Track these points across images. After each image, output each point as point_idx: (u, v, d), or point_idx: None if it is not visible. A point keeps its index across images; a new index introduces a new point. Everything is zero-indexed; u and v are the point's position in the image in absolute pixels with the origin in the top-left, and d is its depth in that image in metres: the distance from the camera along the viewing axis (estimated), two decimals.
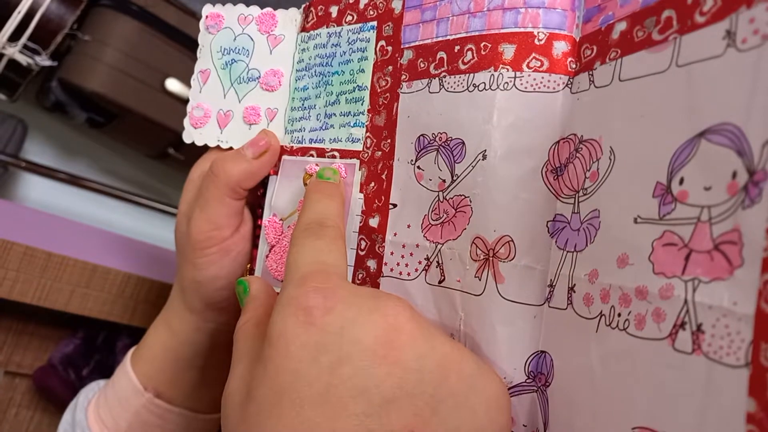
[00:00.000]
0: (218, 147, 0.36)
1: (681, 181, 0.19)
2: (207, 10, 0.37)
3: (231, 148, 0.36)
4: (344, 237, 0.28)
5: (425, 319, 0.23)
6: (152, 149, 0.76)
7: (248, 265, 0.36)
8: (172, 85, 0.65)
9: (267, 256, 0.35)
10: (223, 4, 0.37)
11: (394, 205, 0.30)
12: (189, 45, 0.65)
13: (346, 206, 0.32)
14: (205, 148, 0.37)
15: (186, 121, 0.37)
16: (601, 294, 0.22)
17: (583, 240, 0.23)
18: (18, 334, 0.61)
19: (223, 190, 0.33)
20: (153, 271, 0.57)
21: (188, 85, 0.66)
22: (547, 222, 0.26)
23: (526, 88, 0.26)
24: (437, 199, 0.29)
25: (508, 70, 0.27)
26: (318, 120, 0.34)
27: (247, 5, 0.37)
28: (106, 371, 0.61)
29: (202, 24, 0.37)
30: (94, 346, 0.62)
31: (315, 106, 0.35)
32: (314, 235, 0.26)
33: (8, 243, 0.47)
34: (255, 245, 0.37)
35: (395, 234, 0.30)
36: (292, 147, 0.35)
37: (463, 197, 0.27)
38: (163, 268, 0.61)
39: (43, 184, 0.75)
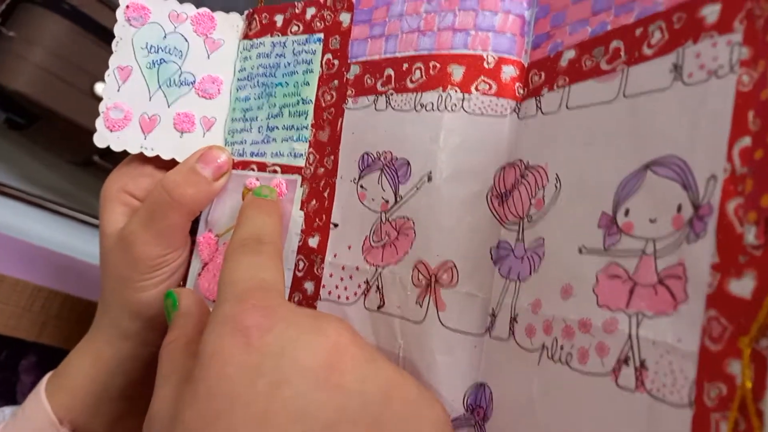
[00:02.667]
0: (141, 154, 0.33)
1: (626, 213, 0.19)
2: None
3: (157, 157, 0.33)
4: (282, 256, 0.26)
5: (367, 342, 0.22)
6: (76, 155, 0.71)
7: (180, 283, 0.33)
8: (101, 89, 0.61)
9: (199, 275, 0.33)
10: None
11: (335, 225, 0.29)
12: None
13: (286, 224, 0.31)
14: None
15: (99, 122, 0.33)
16: (544, 325, 0.21)
17: (527, 269, 0.23)
18: None
19: (184, 216, 0.31)
20: (68, 284, 0.53)
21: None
22: (491, 248, 0.25)
23: (474, 110, 0.26)
24: (380, 220, 0.28)
25: (456, 91, 0.26)
26: (260, 132, 0.33)
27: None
28: (7, 393, 0.56)
29: (120, 14, 0.33)
30: None
31: (257, 117, 0.33)
32: (252, 251, 0.25)
33: None
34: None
35: (335, 255, 0.29)
36: (233, 160, 0.33)
37: (406, 219, 0.27)
38: (78, 282, 0.57)
39: None
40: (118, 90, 0.33)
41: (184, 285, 0.34)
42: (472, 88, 0.26)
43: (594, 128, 0.21)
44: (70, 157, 0.72)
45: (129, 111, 0.33)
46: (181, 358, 0.23)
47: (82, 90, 0.61)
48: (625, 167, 0.19)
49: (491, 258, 0.25)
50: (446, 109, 0.26)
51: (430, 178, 0.26)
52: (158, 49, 0.33)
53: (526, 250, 0.23)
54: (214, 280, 0.32)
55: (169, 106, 0.34)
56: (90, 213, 0.76)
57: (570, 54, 0.23)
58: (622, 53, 0.21)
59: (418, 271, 0.26)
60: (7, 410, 0.38)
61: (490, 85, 0.26)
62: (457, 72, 0.26)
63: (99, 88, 0.61)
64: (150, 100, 0.33)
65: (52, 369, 0.57)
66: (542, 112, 0.24)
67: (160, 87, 0.33)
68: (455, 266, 0.25)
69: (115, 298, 0.33)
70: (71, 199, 0.81)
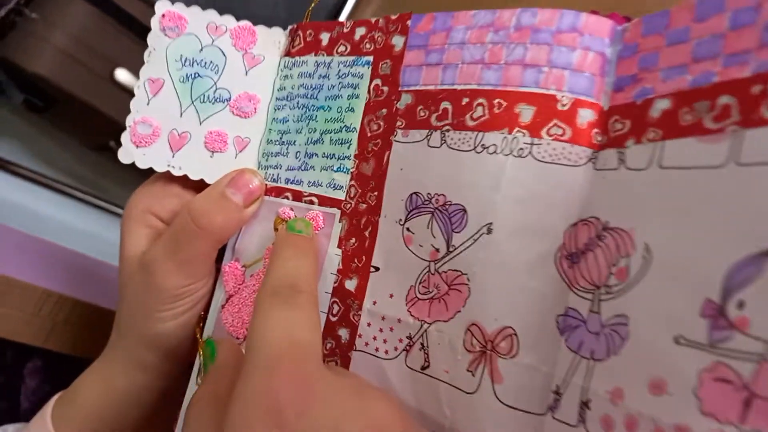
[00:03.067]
0: (167, 172, 0.31)
1: (740, 305, 0.16)
2: (163, 6, 0.31)
3: (185, 176, 0.31)
4: (318, 305, 0.24)
5: (415, 424, 0.20)
6: (92, 140, 0.71)
7: (196, 329, 0.31)
8: (122, 75, 0.60)
9: (223, 306, 0.30)
10: (187, 5, 0.32)
11: (376, 269, 0.27)
12: (144, 36, 0.61)
13: (321, 261, 0.28)
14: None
15: (125, 137, 0.31)
16: (626, 421, 0.18)
17: (604, 348, 0.20)
18: None
19: (210, 245, 0.29)
20: (78, 288, 0.51)
21: (138, 76, 0.63)
22: (557, 316, 0.22)
23: (543, 157, 0.23)
24: (428, 270, 0.25)
25: (524, 134, 0.23)
26: (297, 158, 0.30)
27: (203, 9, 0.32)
28: (11, 396, 0.54)
29: (155, 23, 0.31)
30: None
31: (295, 142, 0.30)
32: (285, 302, 0.22)
33: None
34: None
35: (374, 302, 0.26)
36: (266, 185, 0.31)
37: (459, 273, 0.24)
38: (89, 285, 0.54)
39: None
40: (148, 103, 0.31)
41: (206, 316, 0.31)
42: (543, 132, 0.23)
43: (695, 196, 0.18)
44: (87, 141, 0.72)
45: (158, 126, 0.31)
46: (210, 420, 0.21)
47: (102, 75, 0.60)
48: (736, 248, 0.17)
49: (557, 327, 0.22)
50: (512, 153, 0.24)
51: (490, 231, 0.23)
52: (193, 63, 0.31)
53: (604, 325, 0.21)
54: (239, 316, 0.30)
55: (200, 124, 0.31)
56: (104, 198, 0.74)
57: (664, 104, 0.21)
58: (735, 112, 0.18)
59: (472, 334, 0.23)
60: (10, 429, 0.36)
61: (563, 129, 0.23)
62: (526, 113, 0.24)
63: (119, 74, 0.60)
64: (181, 116, 0.31)
65: (57, 374, 0.55)
66: (627, 167, 0.21)
67: (192, 103, 0.31)
68: (516, 334, 0.22)
69: (132, 327, 0.31)
70: (86, 183, 0.80)
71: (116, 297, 0.55)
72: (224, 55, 0.31)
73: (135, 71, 0.60)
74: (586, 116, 0.23)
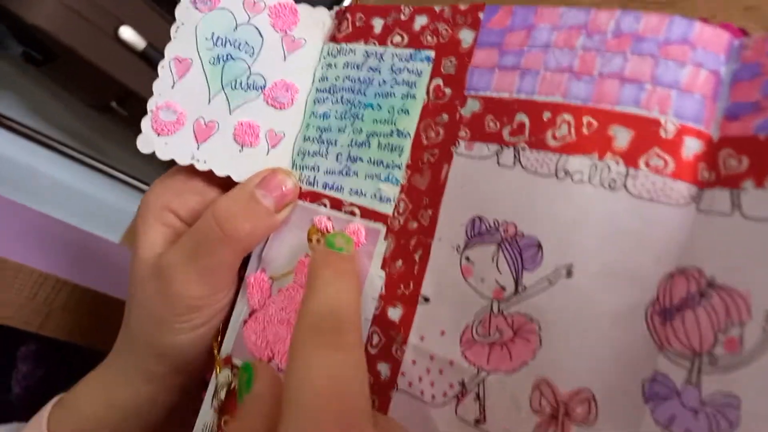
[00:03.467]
0: (191, 166, 0.28)
1: None
2: None
3: (210, 171, 0.28)
4: (362, 338, 0.21)
5: None
6: (93, 99, 0.68)
7: (213, 343, 0.28)
8: (126, 33, 0.57)
9: (245, 322, 0.27)
10: None
11: (426, 299, 0.23)
12: None
13: (361, 281, 0.25)
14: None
15: (145, 124, 0.27)
16: None
17: (705, 430, 0.17)
18: None
19: (235, 253, 0.26)
20: (78, 271, 0.48)
21: (144, 35, 0.58)
22: (643, 381, 0.19)
23: (639, 192, 0.20)
24: (490, 309, 0.22)
25: (618, 163, 0.20)
26: (338, 161, 0.27)
27: None
28: (2, 380, 0.51)
29: None
30: None
31: (336, 142, 0.27)
32: (329, 343, 0.19)
33: None
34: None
35: (422, 338, 0.23)
36: (300, 187, 0.28)
37: (528, 320, 0.21)
38: (90, 269, 0.51)
39: None
40: (173, 86, 0.27)
41: (225, 329, 0.28)
42: (641, 162, 0.20)
43: None
44: (87, 99, 0.69)
45: (183, 113, 0.27)
46: None
47: (106, 32, 0.57)
48: None
49: (642, 393, 0.19)
50: (601, 184, 0.20)
51: (569, 273, 0.20)
52: (226, 42, 0.27)
53: (704, 402, 0.17)
54: (263, 335, 0.27)
55: (231, 113, 0.28)
56: (103, 160, 0.71)
57: None
58: None
59: (541, 392, 0.20)
60: (2, 429, 0.33)
61: (665, 161, 0.20)
62: (622, 137, 0.20)
63: (123, 31, 0.57)
64: (209, 103, 0.27)
65: (51, 361, 0.53)
66: (743, 215, 0.18)
67: (222, 88, 0.27)
68: (594, 398, 0.19)
69: (141, 335, 0.28)
70: (85, 142, 0.77)
71: (118, 282, 0.52)
72: (261, 35, 0.28)
73: (140, 30, 0.58)
74: (692, 147, 0.20)
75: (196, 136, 0.28)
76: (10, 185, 0.73)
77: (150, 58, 0.59)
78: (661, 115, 0.20)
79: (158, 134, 0.27)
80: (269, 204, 0.26)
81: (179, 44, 0.27)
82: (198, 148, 0.27)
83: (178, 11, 0.27)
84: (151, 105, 0.27)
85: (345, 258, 0.23)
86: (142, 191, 0.68)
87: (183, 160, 0.27)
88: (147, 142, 0.27)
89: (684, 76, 0.20)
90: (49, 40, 0.55)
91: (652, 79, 0.20)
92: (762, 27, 0.34)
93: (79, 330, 0.47)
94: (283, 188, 0.27)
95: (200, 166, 0.27)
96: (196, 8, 0.27)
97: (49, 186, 0.77)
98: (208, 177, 0.28)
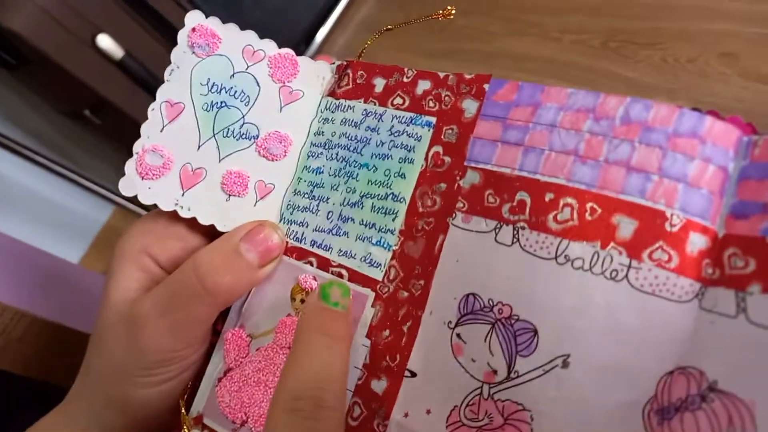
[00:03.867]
0: (174, 212, 0.26)
1: None
2: (195, 19, 0.27)
3: (194, 219, 0.26)
4: (344, 419, 0.20)
5: None
6: (66, 106, 0.67)
7: (180, 400, 0.26)
8: (103, 41, 0.56)
9: (220, 380, 0.26)
10: (224, 22, 0.27)
11: (413, 374, 0.22)
12: (134, 4, 0.57)
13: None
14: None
15: (129, 166, 0.26)
16: None
17: None
18: None
19: (212, 308, 0.25)
20: (37, 302, 0.46)
21: (122, 44, 0.57)
22: None
23: (642, 285, 0.19)
24: (479, 393, 0.21)
25: (621, 253, 0.20)
26: (329, 219, 0.26)
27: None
28: None
29: (183, 37, 0.27)
30: None
31: (328, 199, 0.26)
32: (303, 423, 0.18)
33: None
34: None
35: (406, 415, 0.22)
36: (287, 243, 0.27)
37: (520, 408, 0.20)
38: (51, 297, 0.49)
39: None
40: (162, 130, 0.26)
41: (195, 385, 0.27)
42: (645, 255, 0.19)
43: None
44: (61, 106, 0.69)
45: (169, 158, 0.26)
46: None
47: (83, 40, 0.56)
48: None
49: None
50: (603, 273, 0.20)
51: (566, 364, 0.19)
52: (221, 89, 0.26)
53: None
54: (238, 396, 0.25)
55: (220, 161, 0.27)
56: (73, 169, 0.70)
57: None
58: None
59: None
60: None
61: (669, 255, 0.19)
62: (626, 227, 0.20)
63: (101, 40, 0.56)
64: (198, 149, 0.27)
65: (4, 394, 0.50)
66: (749, 320, 0.18)
67: (214, 135, 0.27)
68: None
69: (101, 385, 0.26)
70: (56, 150, 0.75)
71: (80, 312, 0.49)
72: (258, 85, 0.27)
73: (118, 38, 0.57)
74: (697, 243, 0.19)
75: (182, 183, 0.26)
76: None
77: (127, 68, 0.58)
78: (667, 207, 0.19)
79: (142, 178, 0.26)
80: (253, 259, 0.25)
81: (172, 87, 0.26)
82: (183, 195, 0.26)
83: (174, 54, 0.26)
84: (137, 147, 0.26)
85: (339, 318, 0.22)
86: (113, 201, 0.66)
87: (166, 206, 0.26)
88: (130, 184, 0.26)
89: (692, 170, 0.20)
90: (23, 45, 0.54)
91: (659, 170, 0.20)
92: (737, 73, 0.34)
93: (38, 363, 0.45)
94: (269, 243, 0.26)
95: (184, 213, 0.26)
96: (194, 53, 0.26)
97: (17, 193, 0.75)
98: (193, 223, 0.27)
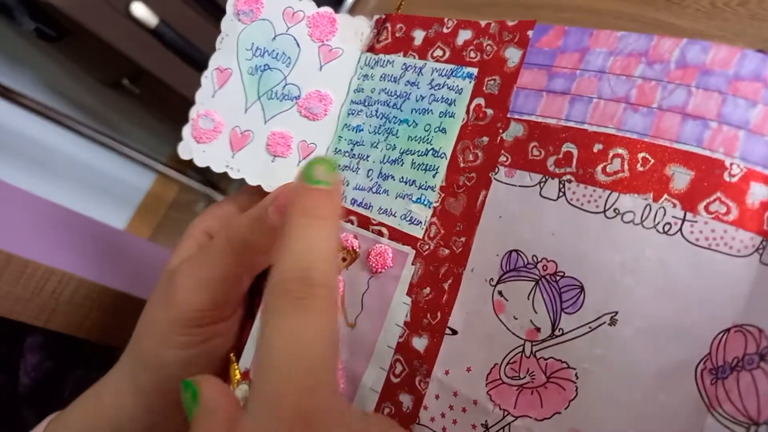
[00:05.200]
0: (238, 198, 0.28)
1: None
2: None
3: (244, 183, 0.27)
4: (337, 300, 0.20)
5: None
6: (105, 75, 0.69)
7: (231, 354, 0.27)
8: (138, 9, 0.57)
9: None
10: None
11: (453, 332, 0.22)
12: None
13: (384, 308, 0.24)
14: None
15: (186, 131, 0.28)
16: None
17: None
18: None
19: (240, 268, 0.26)
20: (85, 266, 0.48)
21: (155, 11, 0.58)
22: None
23: (697, 239, 0.18)
24: (521, 350, 0.21)
25: (675, 206, 0.19)
26: (368, 177, 0.26)
27: None
28: (9, 370, 0.51)
29: (230, 5, 0.28)
30: None
31: (368, 157, 0.26)
32: (294, 303, 0.18)
33: None
34: (251, 315, 0.28)
35: (447, 372, 0.22)
36: None
37: (564, 366, 0.19)
38: (96, 261, 0.51)
39: None
40: (213, 95, 0.27)
41: (241, 348, 0.27)
42: (701, 207, 0.18)
43: None
44: (100, 75, 0.71)
45: (220, 122, 0.27)
46: None
47: (117, 9, 0.57)
48: None
49: None
50: (655, 227, 0.19)
51: (613, 322, 0.19)
52: (264, 52, 0.27)
53: None
54: None
55: (265, 123, 0.27)
56: (114, 137, 0.72)
57: None
58: None
59: None
60: None
61: (728, 207, 0.18)
62: (681, 178, 0.19)
63: (135, 8, 0.56)
64: (245, 112, 0.27)
65: (57, 352, 0.53)
66: None
67: (259, 98, 0.27)
68: None
69: (139, 345, 0.28)
70: (97, 118, 0.78)
71: (123, 274, 0.51)
72: (298, 45, 0.27)
73: (152, 6, 0.57)
74: (759, 194, 0.18)
75: (231, 145, 0.27)
76: (22, 160, 0.74)
77: (162, 36, 0.58)
78: (726, 156, 0.18)
79: (197, 142, 0.27)
80: (277, 220, 0.25)
81: (222, 55, 0.27)
82: (233, 157, 0.27)
83: (224, 23, 0.27)
84: (192, 113, 0.28)
85: (323, 197, 0.20)
86: (153, 169, 0.68)
87: (218, 168, 0.27)
88: (187, 148, 0.28)
89: (754, 116, 0.18)
90: (60, 17, 0.55)
91: (718, 116, 0.19)
92: None
93: (87, 324, 0.47)
94: None
95: (233, 174, 0.27)
96: (239, 20, 0.27)
97: (63, 163, 0.78)
98: (249, 207, 0.27)
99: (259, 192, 0.27)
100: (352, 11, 0.63)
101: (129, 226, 0.86)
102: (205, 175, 0.74)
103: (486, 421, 0.21)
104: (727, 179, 0.18)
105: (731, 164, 0.18)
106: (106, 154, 0.76)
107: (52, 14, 0.56)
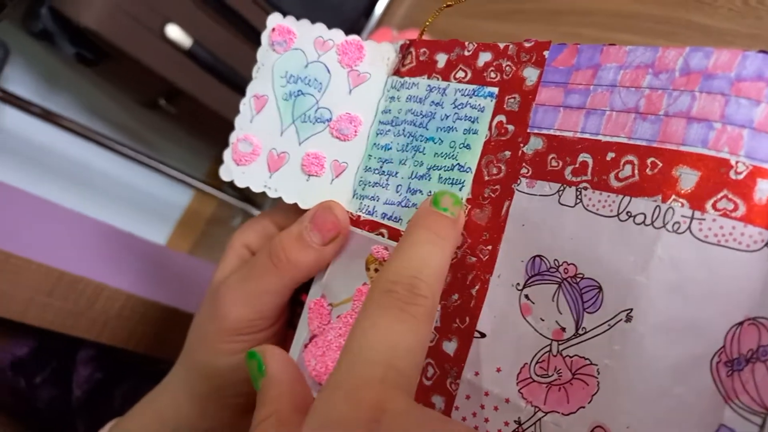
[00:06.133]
0: (274, 214, 0.31)
1: None
2: (274, 20, 0.31)
3: (280, 199, 0.30)
4: (435, 313, 0.22)
5: None
6: (142, 96, 0.72)
7: None
8: (173, 31, 0.60)
9: (306, 346, 0.29)
10: (298, 19, 0.30)
11: (482, 335, 0.24)
12: None
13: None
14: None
15: (227, 155, 0.31)
16: None
17: None
18: None
19: (283, 283, 0.29)
20: (131, 281, 0.52)
21: (189, 33, 0.61)
22: None
23: (706, 236, 0.20)
24: (548, 350, 0.22)
25: (683, 205, 0.20)
26: (398, 193, 0.28)
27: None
28: (63, 383, 0.55)
29: (265, 37, 0.31)
30: (51, 352, 0.56)
31: (397, 173, 0.28)
32: (398, 307, 0.20)
33: None
34: (292, 325, 0.31)
35: (476, 373, 0.24)
36: (359, 216, 0.29)
37: (587, 362, 0.21)
38: (142, 277, 0.55)
39: (19, 114, 0.69)
40: (251, 121, 0.30)
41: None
42: (708, 205, 0.20)
43: None
44: (137, 97, 0.74)
45: (258, 145, 0.30)
46: None
47: (153, 31, 0.60)
48: None
49: None
50: (664, 227, 0.20)
51: (629, 318, 0.20)
52: (297, 80, 0.30)
53: None
54: (323, 360, 0.28)
55: (299, 144, 0.30)
56: (152, 156, 0.75)
57: None
58: None
59: None
60: None
61: (735, 204, 0.20)
62: (688, 178, 0.20)
63: (169, 30, 0.60)
64: (281, 135, 0.30)
65: (107, 365, 0.56)
66: None
67: (293, 122, 0.30)
68: None
69: (191, 354, 0.31)
70: (136, 138, 0.82)
71: (166, 288, 0.55)
72: (329, 71, 0.30)
73: (185, 27, 0.61)
74: (766, 190, 0.20)
75: (269, 166, 0.30)
76: (66, 181, 0.79)
77: (196, 56, 0.62)
78: (732, 155, 0.20)
79: (237, 164, 0.30)
80: (316, 239, 0.28)
81: (258, 83, 0.30)
82: (270, 177, 0.30)
83: (260, 53, 0.30)
84: (232, 138, 0.31)
85: (446, 221, 0.23)
86: (191, 185, 0.72)
87: (257, 188, 0.30)
88: (227, 171, 0.31)
89: (758, 115, 0.20)
90: (99, 41, 0.59)
91: (722, 117, 0.20)
92: None
93: (136, 337, 0.51)
94: (332, 223, 0.28)
95: (271, 194, 0.30)
96: (274, 50, 0.30)
97: (105, 183, 0.83)
98: (284, 222, 0.31)
99: (293, 209, 0.30)
100: (380, 23, 0.67)
101: (169, 241, 0.90)
102: (242, 191, 0.77)
103: (519, 417, 0.22)
104: (733, 177, 0.20)
105: (736, 162, 0.20)
106: (145, 173, 0.81)
107: (91, 39, 0.60)
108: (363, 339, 0.19)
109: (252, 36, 0.64)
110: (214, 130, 0.72)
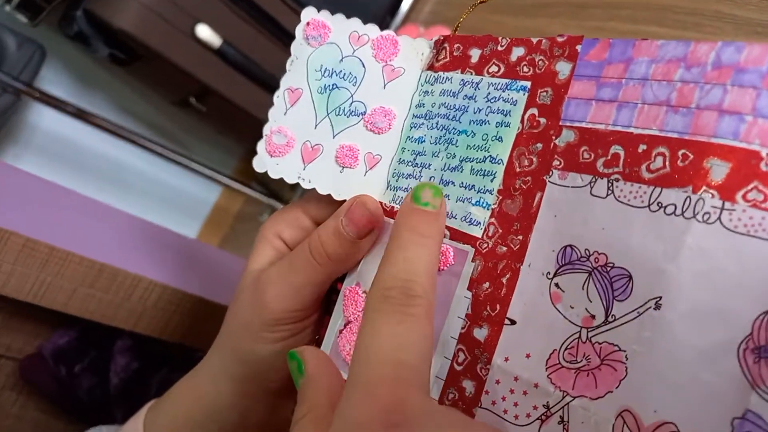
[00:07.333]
0: (302, 205, 0.33)
1: None
2: (309, 14, 0.32)
3: (314, 190, 0.31)
4: (433, 313, 0.23)
5: None
6: (173, 95, 0.75)
7: (316, 336, 0.31)
8: (202, 31, 0.63)
9: (341, 332, 0.30)
10: (332, 14, 0.32)
11: (512, 322, 0.25)
12: None
13: (448, 301, 0.27)
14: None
15: (261, 146, 0.32)
16: None
17: None
18: (10, 315, 0.58)
19: (323, 276, 0.30)
20: (166, 274, 0.54)
21: (218, 32, 0.64)
22: (733, 419, 0.20)
23: (736, 227, 0.21)
24: (578, 336, 0.23)
25: (713, 196, 0.21)
26: None
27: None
28: (101, 372, 0.58)
29: (299, 31, 0.32)
30: (90, 342, 0.59)
31: (430, 165, 0.30)
32: (396, 311, 0.22)
33: (6, 233, 0.44)
34: (328, 311, 0.32)
35: (506, 359, 0.25)
36: (393, 207, 0.30)
37: (616, 348, 0.22)
38: (176, 269, 0.57)
39: (55, 114, 0.72)
40: (285, 113, 0.31)
41: (320, 341, 0.31)
42: (738, 196, 0.21)
43: None
44: (168, 95, 0.77)
45: (292, 137, 0.31)
46: None
47: (184, 31, 0.62)
48: None
49: None
50: (695, 217, 0.21)
51: (658, 306, 0.21)
52: (332, 73, 0.31)
53: None
54: None
55: (333, 137, 0.31)
56: (184, 154, 0.77)
57: None
58: None
59: (624, 422, 0.21)
60: (104, 429, 0.38)
61: (765, 195, 0.21)
62: (718, 170, 0.21)
63: (200, 30, 0.62)
64: (315, 128, 0.31)
65: (143, 354, 0.59)
66: None
67: (327, 115, 0.31)
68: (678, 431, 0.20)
69: (231, 339, 0.33)
70: (168, 137, 0.85)
71: (207, 284, 0.57)
72: (364, 66, 0.31)
73: (216, 27, 0.63)
74: None
75: (303, 158, 0.31)
76: (98, 177, 0.82)
77: (226, 55, 0.64)
78: (763, 147, 0.21)
79: (271, 156, 0.32)
80: (351, 233, 0.29)
81: (292, 76, 0.31)
82: (304, 169, 0.31)
83: (293, 47, 0.32)
84: (266, 130, 0.32)
85: (428, 217, 0.24)
86: (220, 183, 0.74)
87: (291, 179, 0.31)
88: (261, 162, 0.32)
89: None
90: (132, 42, 0.62)
91: (753, 110, 0.21)
92: None
93: (169, 327, 0.53)
94: (365, 217, 0.30)
95: (305, 185, 0.31)
96: (308, 44, 0.31)
97: (137, 180, 0.86)
98: (316, 215, 0.32)
99: (324, 199, 0.31)
100: (406, 20, 0.68)
101: (198, 237, 0.94)
102: (269, 188, 0.79)
103: (548, 401, 0.23)
104: (764, 169, 0.21)
105: (767, 154, 0.21)
106: (175, 170, 0.83)
107: (125, 40, 0.62)
108: (369, 343, 0.21)
109: (279, 34, 0.66)
110: (241, 128, 0.75)
